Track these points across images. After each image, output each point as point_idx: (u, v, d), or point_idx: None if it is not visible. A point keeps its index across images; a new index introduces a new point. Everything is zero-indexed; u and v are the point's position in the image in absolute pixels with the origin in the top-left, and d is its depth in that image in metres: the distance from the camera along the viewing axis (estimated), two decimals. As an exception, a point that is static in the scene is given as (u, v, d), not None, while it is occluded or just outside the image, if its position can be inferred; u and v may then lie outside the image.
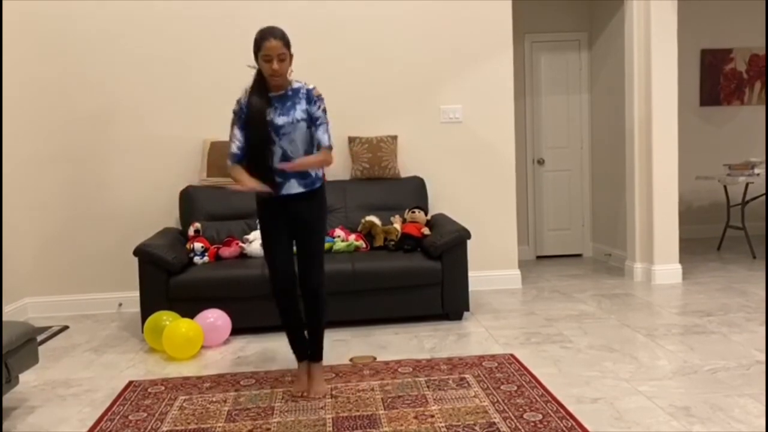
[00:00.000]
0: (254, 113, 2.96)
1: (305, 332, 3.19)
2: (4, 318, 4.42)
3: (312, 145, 3.03)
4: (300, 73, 4.91)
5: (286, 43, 2.94)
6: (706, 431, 2.59)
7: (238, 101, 3.02)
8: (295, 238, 3.11)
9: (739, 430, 2.58)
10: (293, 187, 3.01)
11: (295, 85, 3.05)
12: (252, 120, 2.96)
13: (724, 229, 6.51)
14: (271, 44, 2.89)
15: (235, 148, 2.98)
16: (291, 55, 2.99)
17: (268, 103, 2.97)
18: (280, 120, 2.96)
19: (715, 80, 7.05)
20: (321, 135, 3.03)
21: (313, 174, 3.05)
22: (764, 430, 2.59)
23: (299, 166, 2.95)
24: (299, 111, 2.99)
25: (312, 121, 3.02)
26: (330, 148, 3.04)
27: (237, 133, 2.99)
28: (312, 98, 3.02)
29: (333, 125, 4.90)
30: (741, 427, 2.61)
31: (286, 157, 2.98)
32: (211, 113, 4.87)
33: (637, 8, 5.16)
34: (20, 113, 4.82)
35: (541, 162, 6.46)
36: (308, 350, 3.20)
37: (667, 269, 5.18)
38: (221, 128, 4.92)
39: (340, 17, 5.00)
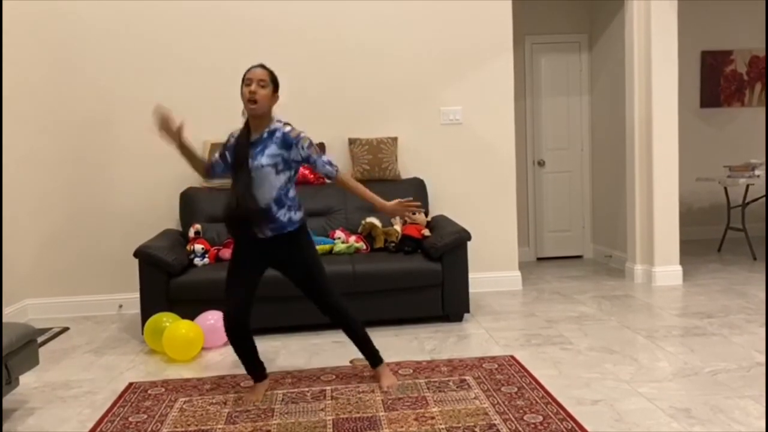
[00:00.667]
0: (238, 156, 2.96)
1: (257, 355, 3.17)
2: (5, 319, 4.42)
3: (284, 189, 2.96)
4: (301, 74, 4.95)
5: (272, 77, 2.96)
6: (706, 433, 2.59)
7: (231, 134, 3.08)
8: (289, 276, 3.12)
9: (740, 432, 2.59)
10: (259, 232, 2.99)
11: (273, 126, 2.98)
12: (234, 160, 2.99)
13: (725, 230, 6.51)
14: (253, 71, 2.95)
15: (213, 157, 3.13)
16: (276, 95, 2.98)
17: (248, 147, 2.95)
18: (252, 164, 2.92)
19: (716, 82, 7.05)
20: (321, 169, 3.04)
21: (285, 219, 2.97)
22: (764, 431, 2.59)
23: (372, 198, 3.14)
24: (266, 156, 2.91)
25: (306, 162, 3.00)
26: (336, 173, 3.07)
27: (215, 157, 3.11)
28: (289, 141, 2.94)
29: (333, 126, 5.00)
30: (741, 428, 2.61)
31: (249, 202, 2.91)
32: (211, 115, 4.87)
33: (638, 10, 5.16)
34: (21, 114, 4.82)
35: (541, 163, 6.46)
36: (367, 359, 3.27)
37: (668, 271, 5.18)
38: (221, 130, 4.91)
39: (340, 18, 5.01)
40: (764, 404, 2.82)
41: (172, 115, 2.95)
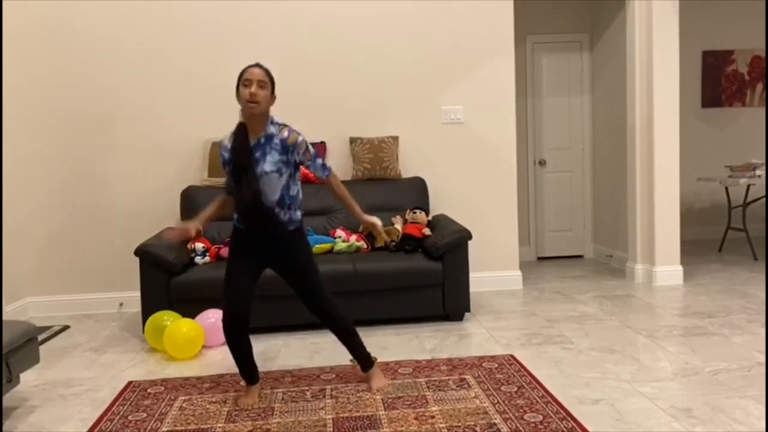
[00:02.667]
0: (241, 164, 2.91)
1: (252, 356, 3.14)
2: (5, 318, 4.43)
3: (287, 188, 2.97)
4: (303, 73, 4.95)
5: (269, 77, 2.92)
6: (707, 433, 2.59)
7: (221, 145, 3.01)
8: (285, 276, 3.11)
9: (740, 432, 2.58)
10: (264, 231, 3.00)
11: (269, 129, 2.94)
12: (237, 170, 2.93)
13: (726, 230, 6.51)
14: (252, 70, 2.90)
15: (226, 182, 3.09)
16: (274, 95, 2.95)
17: (249, 155, 2.91)
18: (258, 169, 2.90)
19: (717, 82, 7.04)
20: (315, 171, 3.06)
21: (285, 218, 2.98)
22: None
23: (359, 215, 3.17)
24: (269, 163, 2.90)
25: (294, 168, 2.99)
26: (328, 175, 3.09)
27: (227, 171, 3.01)
28: (287, 148, 2.92)
29: (334, 125, 4.99)
30: (742, 428, 2.61)
31: (257, 202, 2.92)
32: (212, 113, 4.87)
33: (639, 10, 5.16)
34: (22, 113, 4.82)
35: (542, 163, 6.46)
36: (359, 362, 3.25)
37: (669, 271, 5.18)
38: (222, 128, 4.92)
39: (341, 18, 5.00)
40: (765, 404, 2.82)
41: (184, 231, 3.06)
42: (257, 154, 2.91)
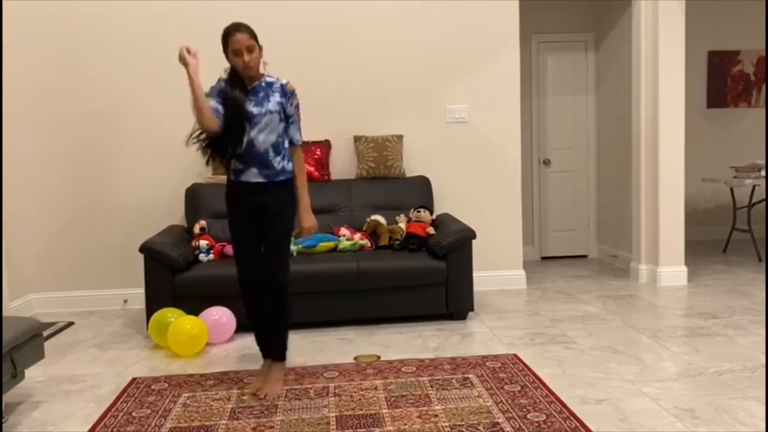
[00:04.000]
0: (233, 103, 2.99)
1: (264, 332, 3.24)
2: (10, 314, 4.44)
3: (282, 135, 3.08)
4: (307, 71, 4.95)
5: (253, 35, 3.01)
6: (710, 433, 2.59)
7: (215, 84, 3.06)
8: (259, 232, 3.11)
9: (744, 433, 2.58)
10: (252, 176, 3.05)
11: (268, 79, 3.10)
12: (229, 109, 2.99)
13: (730, 231, 6.49)
14: (237, 38, 2.97)
15: (213, 104, 2.98)
16: (260, 47, 3.04)
17: (245, 95, 3.03)
18: (254, 110, 3.02)
19: (722, 82, 7.02)
20: (293, 133, 3.14)
21: (279, 167, 3.06)
22: (769, 433, 2.58)
23: (305, 211, 3.17)
24: (273, 103, 3.05)
25: (285, 118, 3.09)
26: (301, 145, 3.16)
27: (213, 102, 2.99)
28: (286, 93, 3.08)
29: (338, 124, 4.99)
30: (745, 429, 2.60)
31: (252, 146, 3.02)
32: (217, 111, 4.89)
33: (645, 9, 5.14)
34: (26, 111, 4.83)
35: (546, 162, 6.45)
36: (269, 348, 3.24)
37: (673, 271, 5.17)
38: (227, 126, 4.94)
39: (345, 17, 5.00)
40: (765, 405, 2.82)
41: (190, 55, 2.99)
42: (259, 96, 3.03)
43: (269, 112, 3.02)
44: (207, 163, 3.26)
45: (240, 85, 3.04)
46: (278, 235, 3.11)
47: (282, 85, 3.09)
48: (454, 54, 5.08)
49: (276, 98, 3.05)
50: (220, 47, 3.05)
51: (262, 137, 3.02)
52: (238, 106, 2.99)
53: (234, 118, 3.00)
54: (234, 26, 3.02)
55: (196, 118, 2.96)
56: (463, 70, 5.10)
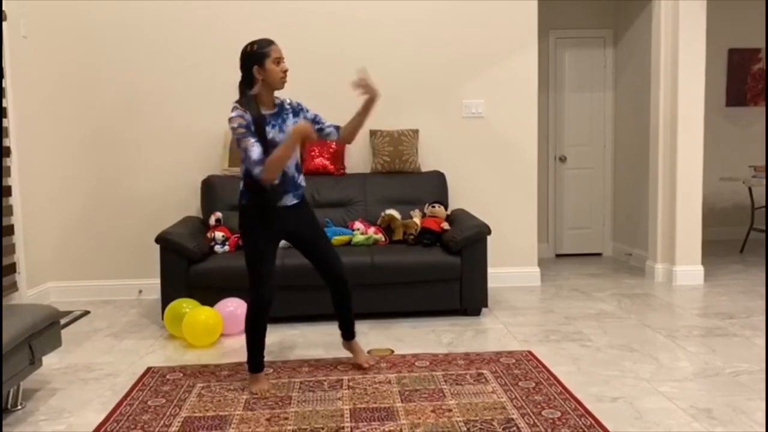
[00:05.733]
0: (258, 132, 2.93)
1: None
2: (28, 301, 4.49)
3: (296, 156, 3.08)
4: (324, 65, 4.95)
5: None
6: (727, 434, 2.56)
7: (241, 116, 2.89)
8: (305, 243, 3.19)
9: (762, 434, 2.55)
10: (289, 200, 3.09)
11: (277, 100, 3.08)
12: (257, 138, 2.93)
13: (748, 231, 6.42)
14: (278, 48, 3.00)
15: (257, 153, 2.87)
16: None
17: (264, 122, 2.96)
18: (279, 137, 2.97)
19: (742, 80, 6.94)
20: (329, 128, 3.20)
21: (303, 184, 3.17)
22: (787, 434, 2.55)
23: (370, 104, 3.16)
24: (290, 125, 3.03)
25: (314, 123, 3.13)
26: (339, 130, 3.22)
27: (254, 144, 2.88)
28: (297, 110, 3.11)
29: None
30: (763, 430, 2.57)
31: (284, 172, 3.01)
32: (229, 103, 4.89)
33: (665, 6, 5.09)
34: (45, 102, 4.87)
35: (562, 159, 6.41)
36: (347, 331, 3.38)
37: (689, 270, 5.12)
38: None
39: (363, 10, 4.99)
40: (765, 405, 2.79)
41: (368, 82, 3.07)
42: (276, 122, 3.00)
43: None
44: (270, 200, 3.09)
45: (260, 112, 2.95)
46: (325, 235, 3.27)
47: (291, 105, 3.10)
48: (472, 48, 5.06)
49: (290, 119, 3.05)
50: (246, 38, 3.05)
51: (289, 162, 3.02)
52: (263, 136, 2.94)
53: (263, 147, 2.93)
54: (268, 39, 3.01)
55: (273, 171, 2.88)
56: (480, 65, 5.08)
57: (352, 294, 3.32)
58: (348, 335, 3.39)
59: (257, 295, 3.03)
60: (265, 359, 3.48)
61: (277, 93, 3.06)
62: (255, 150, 2.88)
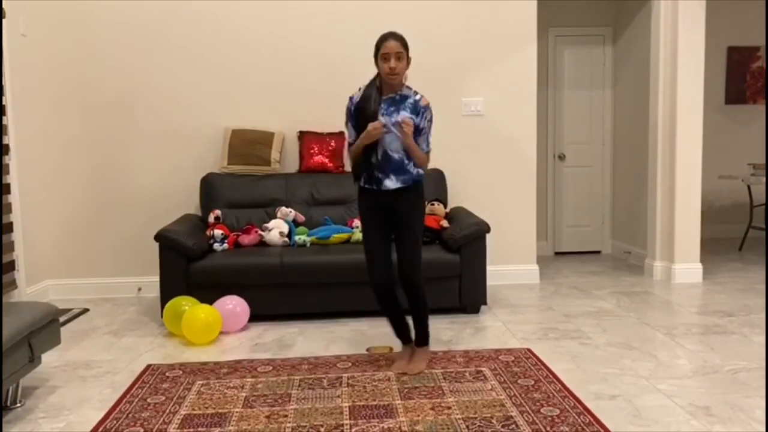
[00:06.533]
0: (366, 114, 3.09)
1: (406, 318, 3.33)
2: (27, 299, 4.49)
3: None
4: (323, 64, 4.94)
5: (405, 45, 3.10)
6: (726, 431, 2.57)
7: (351, 98, 3.17)
8: (393, 233, 3.23)
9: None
10: (391, 183, 3.14)
11: (404, 91, 3.17)
12: (362, 119, 3.10)
13: (747, 229, 6.43)
14: (389, 44, 3.07)
15: (348, 136, 3.23)
16: (409, 58, 3.13)
17: (378, 105, 3.11)
18: (383, 120, 3.09)
19: (741, 78, 6.94)
20: (421, 143, 3.18)
21: (414, 171, 3.16)
22: (786, 432, 2.56)
23: (406, 136, 3.07)
24: (397, 118, 3.10)
25: (417, 131, 3.14)
26: (427, 152, 3.21)
27: (350, 129, 3.19)
28: (419, 109, 3.15)
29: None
30: (761, 428, 2.58)
31: (387, 156, 3.11)
32: (232, 101, 4.90)
33: (665, 4, 5.08)
34: (44, 99, 4.86)
35: (561, 157, 6.41)
36: (412, 336, 3.35)
37: (688, 268, 5.13)
38: (242, 116, 4.95)
39: (364, 8, 4.98)
40: (765, 405, 2.80)
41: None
42: (391, 107, 3.12)
43: (396, 123, 3.08)
44: (355, 180, 3.24)
45: (377, 95, 3.11)
46: (412, 236, 3.21)
47: (415, 101, 3.15)
48: (471, 46, 5.05)
49: (406, 113, 3.11)
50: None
51: (395, 145, 3.10)
52: (371, 118, 3.08)
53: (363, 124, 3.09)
54: (389, 33, 3.11)
55: (352, 156, 3.19)
56: (479, 63, 5.07)
57: (422, 300, 3.24)
58: (415, 341, 3.35)
59: (370, 279, 3.20)
60: (265, 356, 3.50)
61: (415, 87, 3.20)
62: (348, 133, 3.23)
